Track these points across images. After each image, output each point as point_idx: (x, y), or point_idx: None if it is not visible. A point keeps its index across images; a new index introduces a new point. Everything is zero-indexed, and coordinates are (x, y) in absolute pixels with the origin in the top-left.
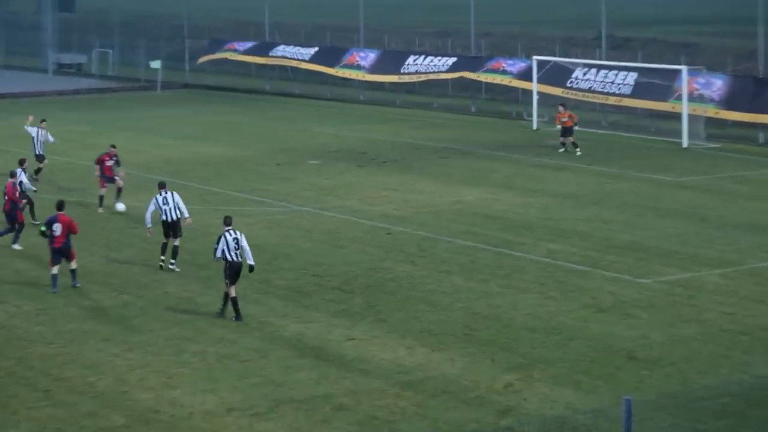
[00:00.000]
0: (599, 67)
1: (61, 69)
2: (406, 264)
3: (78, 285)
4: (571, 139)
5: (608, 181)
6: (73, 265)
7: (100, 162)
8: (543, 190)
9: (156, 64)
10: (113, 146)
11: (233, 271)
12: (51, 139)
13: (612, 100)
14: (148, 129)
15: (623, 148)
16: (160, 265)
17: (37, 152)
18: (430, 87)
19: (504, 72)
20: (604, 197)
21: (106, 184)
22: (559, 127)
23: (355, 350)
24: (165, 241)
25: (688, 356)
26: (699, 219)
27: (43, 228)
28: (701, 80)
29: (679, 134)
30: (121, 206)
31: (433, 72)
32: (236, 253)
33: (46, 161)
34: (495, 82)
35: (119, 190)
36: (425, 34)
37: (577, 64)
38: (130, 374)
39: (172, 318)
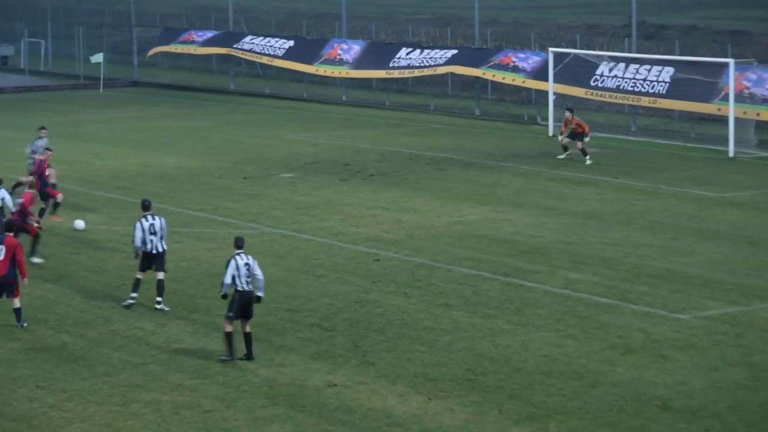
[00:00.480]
0: (629, 61)
1: None
2: (398, 296)
3: (24, 324)
4: (580, 143)
5: (639, 198)
6: (17, 303)
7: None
8: (560, 208)
9: (97, 58)
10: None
11: (244, 302)
12: None
13: (645, 101)
14: (88, 135)
15: (657, 157)
16: (129, 304)
17: None
18: (425, 85)
19: (515, 69)
20: (633, 217)
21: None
22: (561, 137)
23: (338, 398)
24: (139, 276)
25: (735, 406)
26: (748, 242)
27: None
28: (752, 76)
29: (724, 141)
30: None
31: (429, 66)
32: (247, 281)
33: None
34: (504, 81)
35: (56, 205)
36: (420, 21)
37: (601, 58)
38: (68, 428)
39: (119, 361)
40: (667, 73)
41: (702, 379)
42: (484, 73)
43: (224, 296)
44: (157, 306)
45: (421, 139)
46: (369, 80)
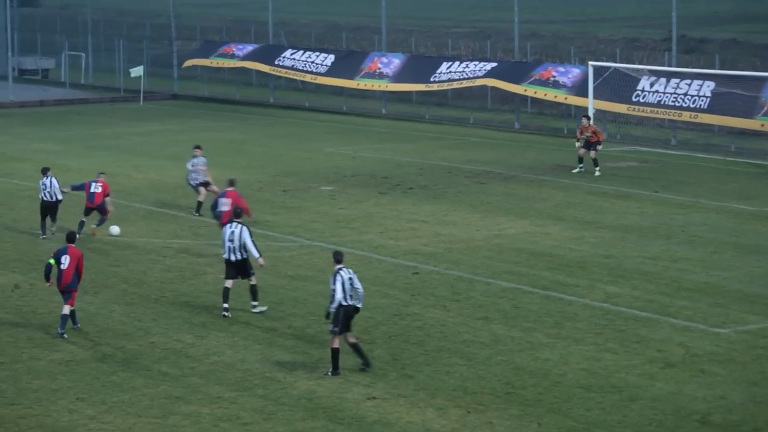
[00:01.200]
0: (669, 75)
1: (24, 75)
2: (437, 309)
3: (78, 326)
4: (592, 153)
5: (679, 212)
6: (67, 310)
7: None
8: (600, 222)
9: (138, 71)
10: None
11: (348, 316)
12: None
13: (686, 116)
14: (129, 148)
15: (696, 171)
16: (224, 315)
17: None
18: (465, 99)
19: (555, 84)
20: (673, 231)
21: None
22: (578, 144)
23: (377, 411)
24: (227, 286)
25: None
26: None
27: (51, 260)
28: None
29: (765, 155)
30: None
31: (468, 78)
32: (351, 296)
33: None
34: (546, 98)
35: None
36: (460, 35)
37: (642, 72)
38: None
39: (159, 373)
40: (708, 87)
41: (742, 394)
42: (525, 90)
43: (329, 314)
44: (254, 310)
45: (460, 153)
46: (408, 93)
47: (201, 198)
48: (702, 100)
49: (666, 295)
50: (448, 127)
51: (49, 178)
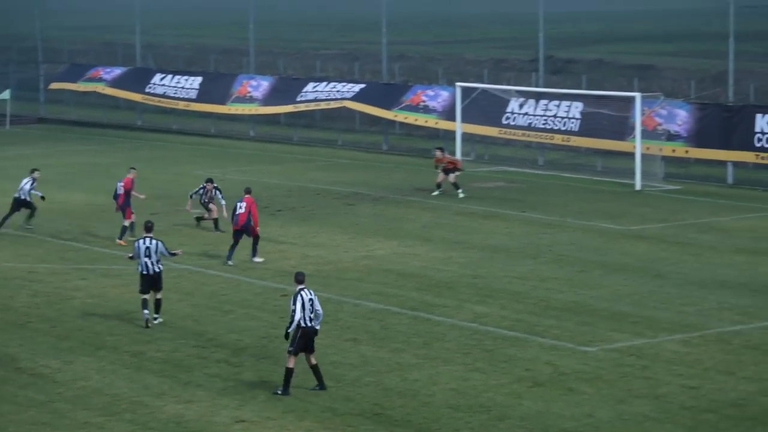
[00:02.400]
0: (538, 96)
1: None
2: None
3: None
4: (452, 177)
5: (546, 232)
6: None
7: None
8: (468, 242)
9: (4, 95)
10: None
11: (308, 338)
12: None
13: (558, 139)
14: None
15: (564, 191)
16: (146, 323)
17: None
18: (333, 120)
19: (426, 108)
20: (541, 250)
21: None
22: (438, 169)
23: None
24: (144, 296)
25: None
26: (654, 275)
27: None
28: (663, 112)
29: (631, 174)
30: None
31: (336, 99)
32: (310, 318)
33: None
34: (417, 123)
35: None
36: (328, 57)
37: (510, 93)
38: None
39: (25, 399)
40: (577, 108)
41: (609, 412)
42: (396, 116)
43: (288, 334)
44: (155, 321)
45: (328, 174)
46: (277, 115)
47: (214, 215)
48: (572, 122)
49: (534, 314)
50: (316, 148)
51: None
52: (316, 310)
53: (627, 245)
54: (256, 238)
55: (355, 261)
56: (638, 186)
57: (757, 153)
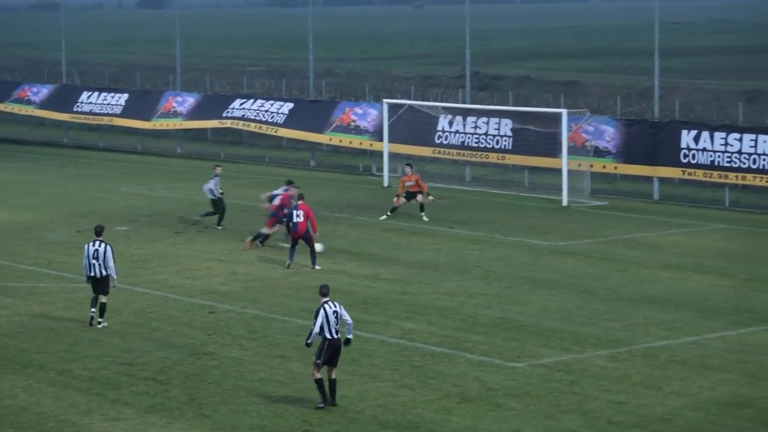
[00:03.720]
0: (465, 113)
1: None
2: (234, 348)
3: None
4: (419, 198)
5: (474, 248)
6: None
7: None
8: (396, 258)
9: None
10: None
11: (333, 350)
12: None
13: (494, 158)
14: None
15: (491, 207)
16: (90, 321)
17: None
18: (260, 138)
19: (357, 129)
20: (468, 266)
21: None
22: (400, 197)
23: None
24: (95, 295)
25: None
26: (582, 291)
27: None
28: (590, 128)
29: (558, 190)
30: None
31: (269, 124)
32: (336, 330)
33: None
34: (351, 146)
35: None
36: (255, 73)
37: (437, 110)
38: None
39: None
40: (506, 125)
41: (537, 427)
42: (330, 139)
43: (308, 345)
44: (99, 326)
45: (256, 191)
46: (204, 132)
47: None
48: (505, 140)
49: (462, 330)
50: (243, 165)
51: None
52: (345, 320)
53: (554, 261)
54: (312, 248)
55: (283, 278)
56: (565, 202)
57: (684, 169)
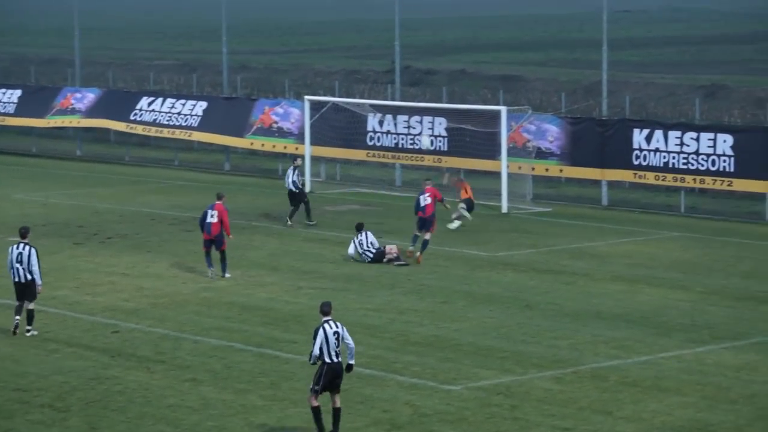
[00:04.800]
0: (396, 111)
1: None
2: (139, 372)
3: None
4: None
5: (404, 258)
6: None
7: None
8: (319, 271)
9: None
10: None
11: (333, 375)
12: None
13: (429, 160)
14: None
15: None
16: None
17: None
18: (169, 139)
19: (280, 132)
20: (399, 279)
21: None
22: (462, 207)
23: None
24: (19, 303)
25: None
26: (523, 306)
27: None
28: (531, 127)
29: (497, 195)
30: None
31: (181, 128)
32: (336, 352)
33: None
34: (275, 150)
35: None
36: (163, 67)
37: (365, 108)
38: None
39: None
40: (441, 125)
41: None
42: (252, 143)
43: (312, 364)
44: (27, 333)
45: (164, 198)
46: (106, 133)
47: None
48: (440, 141)
49: (392, 350)
50: (150, 169)
51: None
52: (347, 343)
53: (493, 273)
54: (223, 254)
55: (194, 293)
56: (505, 209)
57: (635, 171)
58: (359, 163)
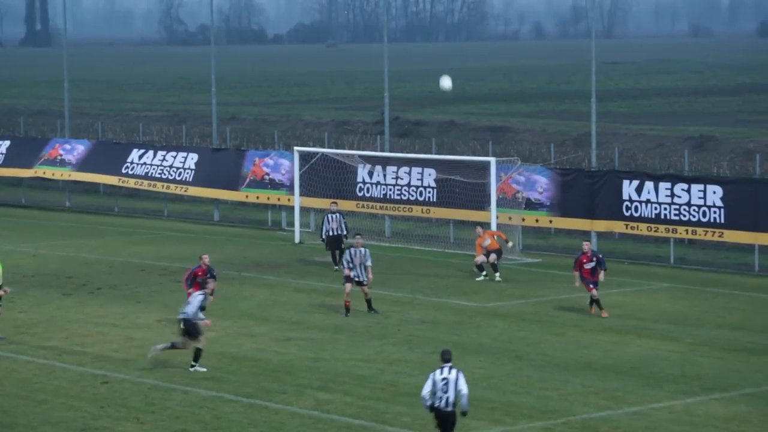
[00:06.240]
0: (385, 162)
1: None
2: (129, 422)
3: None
4: (492, 257)
5: (394, 309)
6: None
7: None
8: (308, 322)
9: None
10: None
11: (441, 421)
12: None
13: (418, 211)
14: None
15: (413, 264)
16: None
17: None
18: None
19: (273, 184)
20: (389, 330)
21: None
22: (480, 260)
23: None
24: None
25: None
26: (513, 356)
27: None
28: (520, 178)
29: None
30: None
31: (176, 183)
32: (446, 399)
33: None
34: (269, 202)
35: None
36: (152, 119)
37: (354, 159)
38: None
39: None
40: (430, 176)
41: None
42: (247, 197)
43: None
44: None
45: (154, 248)
46: (96, 185)
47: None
48: (429, 192)
49: (382, 400)
50: (140, 220)
51: None
52: (459, 390)
53: (483, 324)
54: None
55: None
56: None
57: (627, 222)
58: (349, 213)
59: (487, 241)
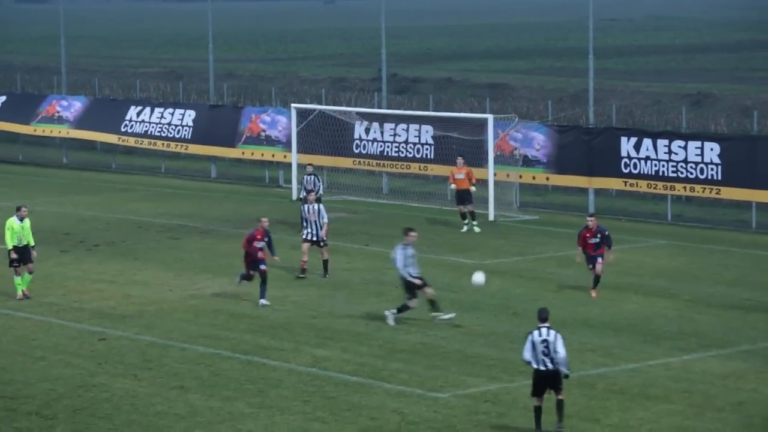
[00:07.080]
0: (383, 119)
1: None
2: (127, 379)
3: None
4: (470, 207)
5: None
6: None
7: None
8: (306, 279)
9: None
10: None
11: (541, 382)
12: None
13: (415, 168)
14: None
15: (411, 222)
16: None
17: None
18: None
19: (269, 140)
20: (386, 287)
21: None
22: (452, 187)
23: None
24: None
25: None
26: (511, 313)
27: None
28: (518, 135)
29: (483, 203)
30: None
31: (176, 141)
32: (544, 360)
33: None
34: (263, 158)
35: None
36: (149, 75)
37: (352, 116)
38: None
39: None
40: (428, 133)
41: None
42: (243, 153)
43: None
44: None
45: (151, 205)
46: (93, 141)
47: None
48: (427, 149)
49: (379, 357)
50: (137, 177)
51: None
52: (557, 352)
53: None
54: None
55: (181, 301)
56: (491, 216)
57: (625, 180)
58: (346, 171)
59: (461, 176)
